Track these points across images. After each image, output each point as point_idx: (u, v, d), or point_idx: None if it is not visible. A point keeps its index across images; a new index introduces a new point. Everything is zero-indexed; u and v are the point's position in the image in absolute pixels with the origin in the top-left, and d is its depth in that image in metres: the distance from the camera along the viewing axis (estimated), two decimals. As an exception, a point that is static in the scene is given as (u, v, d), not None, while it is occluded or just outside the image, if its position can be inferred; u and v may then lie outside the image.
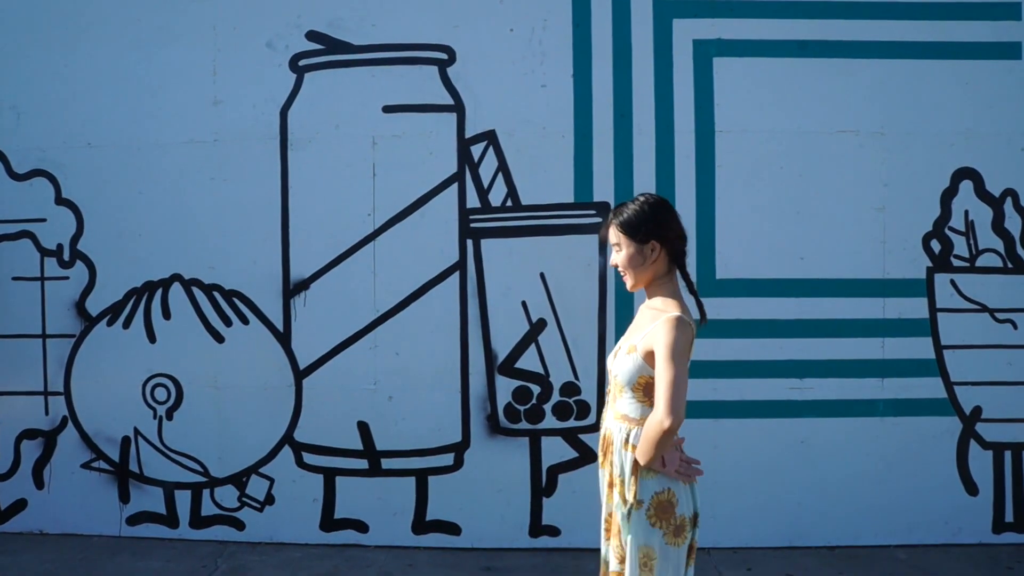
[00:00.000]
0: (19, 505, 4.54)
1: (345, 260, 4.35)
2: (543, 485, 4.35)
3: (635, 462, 2.41)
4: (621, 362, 2.46)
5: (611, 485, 2.51)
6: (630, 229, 2.42)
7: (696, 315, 2.48)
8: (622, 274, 2.50)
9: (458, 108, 4.32)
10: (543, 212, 4.31)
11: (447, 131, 4.33)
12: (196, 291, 4.40)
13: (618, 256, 2.47)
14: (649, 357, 2.38)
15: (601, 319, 4.31)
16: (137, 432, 4.46)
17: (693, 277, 4.20)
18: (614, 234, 2.47)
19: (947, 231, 4.31)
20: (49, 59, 4.45)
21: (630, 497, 2.40)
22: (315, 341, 4.38)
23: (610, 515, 2.53)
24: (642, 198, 2.47)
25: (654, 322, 2.38)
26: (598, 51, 4.30)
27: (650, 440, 2.33)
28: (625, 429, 2.46)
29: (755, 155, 4.30)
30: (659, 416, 2.30)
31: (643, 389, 2.43)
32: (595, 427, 4.31)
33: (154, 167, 4.41)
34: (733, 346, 4.30)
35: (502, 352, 4.35)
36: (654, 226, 2.41)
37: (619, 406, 2.48)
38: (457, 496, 4.37)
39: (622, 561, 2.44)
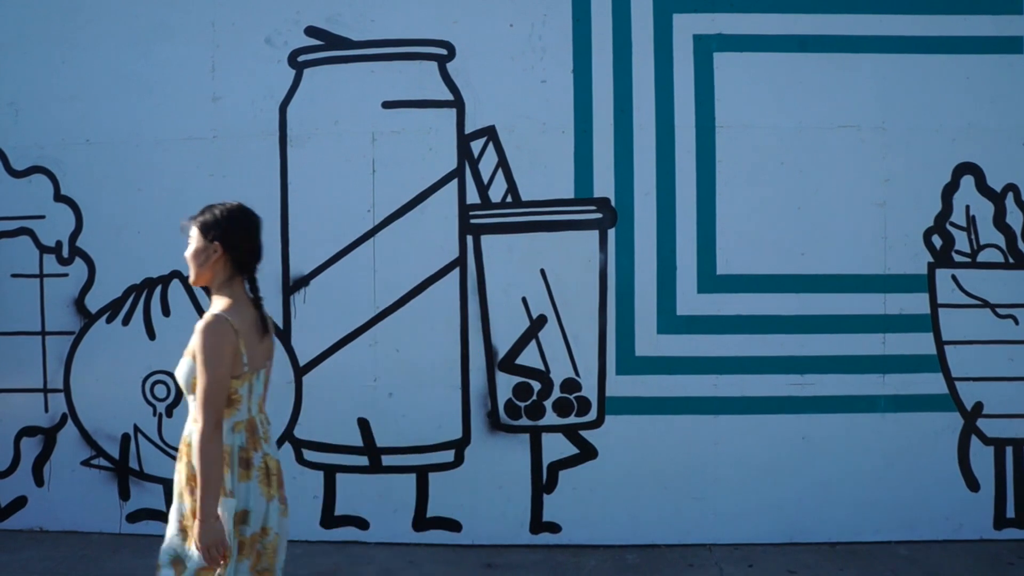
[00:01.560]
0: (19, 502, 4.53)
1: (345, 257, 4.34)
2: (544, 482, 4.35)
3: None
4: (180, 366, 2.58)
5: (189, 486, 2.61)
6: (202, 226, 2.60)
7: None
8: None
9: (458, 104, 4.31)
10: (543, 208, 4.30)
11: (447, 127, 4.32)
12: (196, 288, 4.39)
13: (188, 249, 2.63)
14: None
15: (602, 315, 4.30)
16: (137, 429, 4.46)
17: (693, 272, 4.33)
18: (191, 227, 2.63)
19: (948, 226, 4.30)
20: (47, 56, 4.44)
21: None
22: (315, 338, 4.37)
23: (186, 515, 2.61)
24: (228, 204, 2.62)
25: None
26: (598, 46, 4.29)
27: (195, 445, 2.48)
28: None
29: (756, 150, 4.29)
30: (193, 415, 2.49)
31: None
32: (597, 423, 4.32)
33: (153, 164, 4.40)
34: (734, 342, 4.30)
35: (502, 348, 4.34)
36: (220, 232, 2.57)
37: (191, 409, 2.58)
38: (458, 493, 4.37)
39: None
